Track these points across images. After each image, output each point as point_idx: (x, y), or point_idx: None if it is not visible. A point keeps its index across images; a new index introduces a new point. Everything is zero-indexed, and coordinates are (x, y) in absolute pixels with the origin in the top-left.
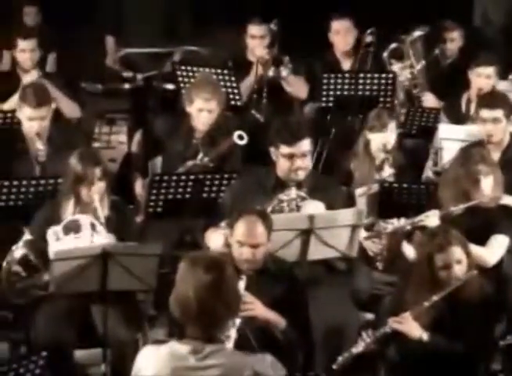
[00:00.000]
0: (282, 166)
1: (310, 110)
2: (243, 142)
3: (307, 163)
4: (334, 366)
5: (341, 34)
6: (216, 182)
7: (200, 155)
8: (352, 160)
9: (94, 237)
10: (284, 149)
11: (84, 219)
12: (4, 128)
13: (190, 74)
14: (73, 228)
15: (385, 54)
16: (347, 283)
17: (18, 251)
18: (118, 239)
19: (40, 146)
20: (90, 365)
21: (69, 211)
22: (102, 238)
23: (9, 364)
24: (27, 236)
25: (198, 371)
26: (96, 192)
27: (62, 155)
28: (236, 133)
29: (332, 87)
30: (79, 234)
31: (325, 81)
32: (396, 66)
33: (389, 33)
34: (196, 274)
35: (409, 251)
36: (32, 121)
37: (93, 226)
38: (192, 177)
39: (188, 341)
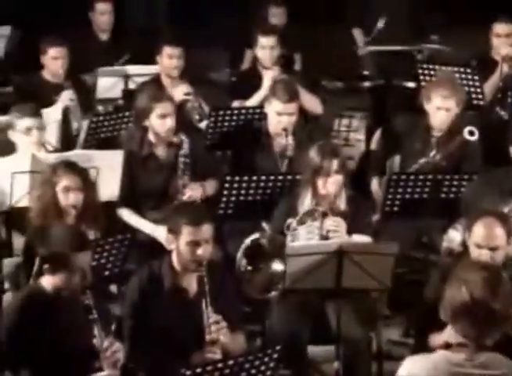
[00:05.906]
0: None
1: None
2: (473, 138)
3: None
4: None
5: None
6: (455, 183)
7: (433, 152)
8: None
9: (324, 229)
10: None
11: (317, 210)
12: (248, 123)
13: (432, 72)
14: (307, 220)
15: None
16: None
17: (246, 243)
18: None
19: (289, 141)
20: (323, 361)
21: (306, 204)
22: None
23: (245, 356)
24: (266, 229)
25: None
26: (333, 184)
27: (307, 150)
28: (467, 129)
29: None
30: (311, 226)
31: None
32: None
33: None
34: (471, 272)
35: None
36: (281, 116)
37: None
38: (430, 177)
39: (460, 349)
